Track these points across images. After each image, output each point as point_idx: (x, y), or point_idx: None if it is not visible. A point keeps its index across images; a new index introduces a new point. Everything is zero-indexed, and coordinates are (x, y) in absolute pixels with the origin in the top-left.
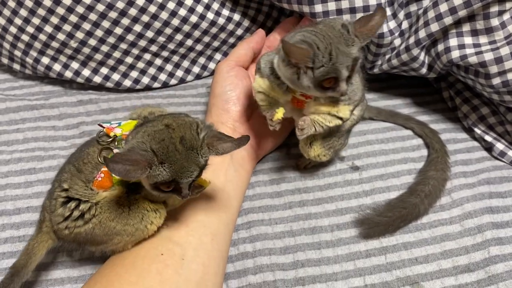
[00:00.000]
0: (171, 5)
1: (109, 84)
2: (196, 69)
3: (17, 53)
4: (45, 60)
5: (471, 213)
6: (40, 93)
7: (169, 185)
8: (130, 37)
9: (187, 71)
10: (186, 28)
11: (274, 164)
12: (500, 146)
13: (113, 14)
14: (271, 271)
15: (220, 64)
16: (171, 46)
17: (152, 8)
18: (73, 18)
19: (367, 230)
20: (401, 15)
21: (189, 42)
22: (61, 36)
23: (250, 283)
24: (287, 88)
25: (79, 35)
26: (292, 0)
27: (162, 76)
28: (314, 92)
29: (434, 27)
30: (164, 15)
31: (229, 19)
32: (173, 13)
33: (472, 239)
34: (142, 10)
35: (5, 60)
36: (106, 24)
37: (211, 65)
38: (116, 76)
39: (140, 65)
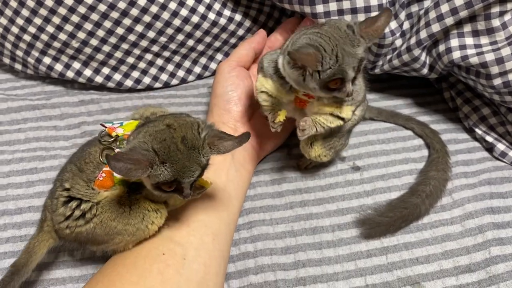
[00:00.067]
0: (172, 5)
1: (110, 84)
2: (197, 69)
3: (19, 53)
4: (47, 60)
5: (472, 214)
6: (41, 93)
7: (171, 185)
8: (132, 37)
9: (189, 71)
10: (188, 28)
11: (275, 164)
12: (501, 146)
13: (114, 14)
14: (272, 271)
15: (221, 64)
16: (173, 46)
17: (154, 8)
18: (74, 18)
19: (368, 230)
20: (402, 15)
21: (190, 42)
22: (62, 36)
23: (251, 283)
24: (290, 88)
25: (81, 35)
26: (294, 0)
27: (164, 76)
28: (319, 93)
29: (435, 27)
30: (165, 15)
31: (230, 20)
32: (175, 13)
33: (473, 239)
34: (144, 10)
35: (6, 60)
36: (107, 24)
37: (213, 65)
38: (117, 76)
39: (142, 65)
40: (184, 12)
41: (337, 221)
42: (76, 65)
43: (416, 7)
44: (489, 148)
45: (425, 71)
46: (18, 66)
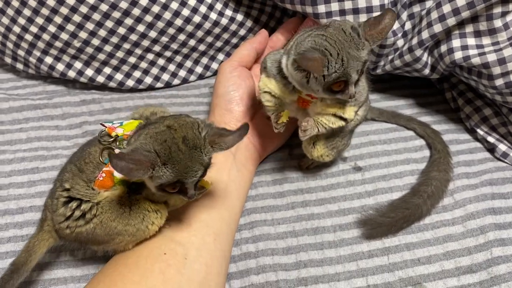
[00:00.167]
0: (174, 5)
1: (112, 84)
2: (199, 69)
3: (21, 52)
4: (49, 59)
5: (474, 214)
6: (43, 92)
7: (175, 186)
8: (133, 37)
9: (190, 71)
10: (189, 28)
11: (276, 164)
12: (502, 147)
13: (116, 14)
14: (274, 271)
15: (223, 64)
16: (174, 46)
17: (156, 8)
18: (76, 18)
19: (370, 230)
20: (404, 16)
21: (192, 42)
22: (64, 36)
23: (253, 283)
24: (293, 88)
25: (83, 34)
26: (295, 0)
27: (165, 76)
28: (322, 95)
29: (437, 28)
30: (167, 15)
31: (232, 20)
32: (176, 13)
33: (475, 240)
34: (146, 10)
35: (8, 60)
36: (109, 24)
37: (214, 65)
38: (119, 76)
39: (143, 65)
40: (185, 12)
41: (339, 221)
42: (78, 64)
43: (418, 7)
44: (491, 149)
45: (426, 71)
46: (19, 66)
